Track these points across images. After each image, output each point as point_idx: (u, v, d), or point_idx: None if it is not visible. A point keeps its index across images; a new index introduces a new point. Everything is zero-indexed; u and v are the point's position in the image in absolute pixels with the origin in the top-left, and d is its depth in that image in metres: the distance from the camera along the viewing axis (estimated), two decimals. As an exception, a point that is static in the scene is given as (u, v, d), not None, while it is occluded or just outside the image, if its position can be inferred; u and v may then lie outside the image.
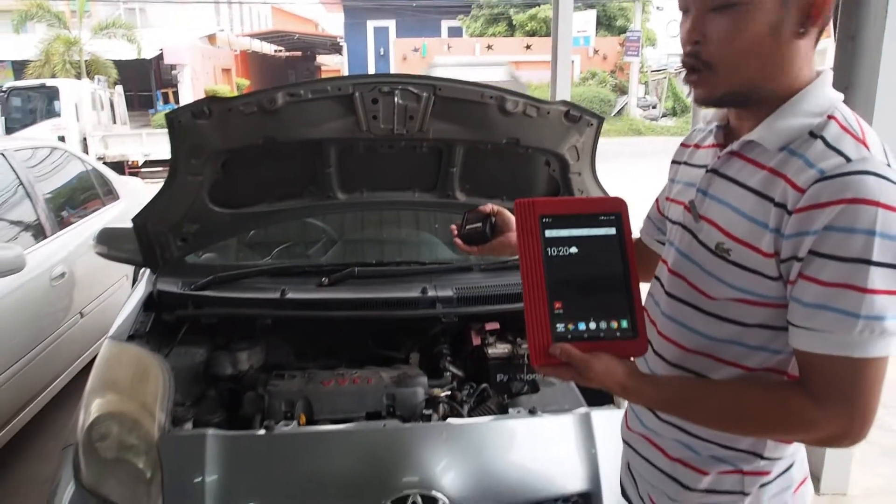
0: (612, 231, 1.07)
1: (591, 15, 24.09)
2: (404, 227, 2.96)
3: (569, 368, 1.02)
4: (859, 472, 3.05)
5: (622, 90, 24.76)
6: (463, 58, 18.91)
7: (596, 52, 25.34)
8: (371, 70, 29.23)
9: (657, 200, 1.37)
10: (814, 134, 0.97)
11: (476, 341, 2.33)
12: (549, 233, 1.06)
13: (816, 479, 2.98)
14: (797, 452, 1.13)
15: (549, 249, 1.05)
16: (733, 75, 1.00)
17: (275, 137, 2.17)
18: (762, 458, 1.09)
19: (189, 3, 28.60)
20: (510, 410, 1.96)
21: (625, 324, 1.04)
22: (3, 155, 3.69)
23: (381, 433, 1.83)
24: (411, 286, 2.31)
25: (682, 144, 1.28)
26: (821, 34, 1.01)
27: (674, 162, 1.28)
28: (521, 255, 1.05)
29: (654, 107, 25.36)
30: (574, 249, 1.06)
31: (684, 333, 1.11)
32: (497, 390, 2.18)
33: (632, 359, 1.07)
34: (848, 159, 0.92)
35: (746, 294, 1.02)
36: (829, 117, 0.98)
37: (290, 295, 2.23)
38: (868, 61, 2.63)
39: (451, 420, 1.90)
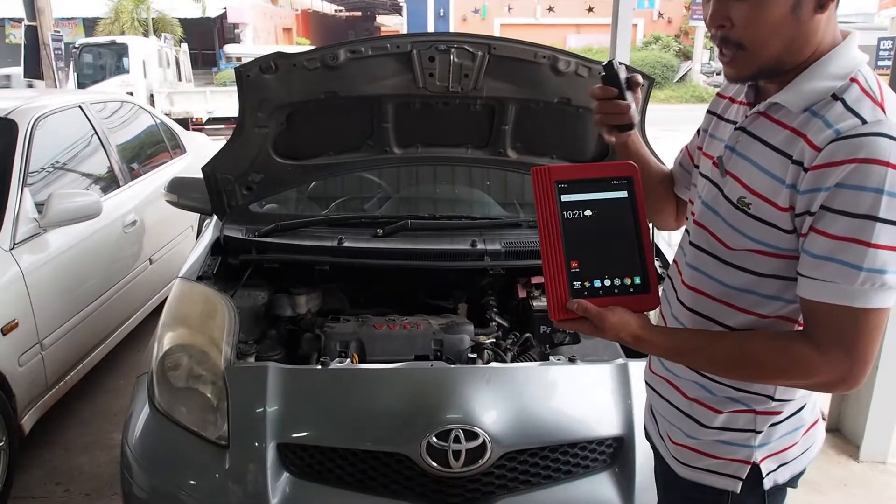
0: (624, 194, 1.13)
1: (658, -24, 23.38)
2: (457, 184, 3.03)
3: (585, 322, 1.10)
4: (901, 441, 3.05)
5: (686, 55, 24.06)
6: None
7: (661, 15, 24.65)
8: (431, 30, 29.04)
9: (687, 148, 1.40)
10: (836, 96, 1.01)
11: (522, 294, 2.41)
12: (564, 197, 1.12)
13: (856, 446, 2.99)
14: (808, 396, 1.20)
15: (565, 213, 1.11)
16: (763, 54, 1.04)
17: (336, 92, 2.27)
18: (773, 399, 1.15)
19: (252, -39, 28.75)
20: (551, 358, 2.05)
21: (637, 280, 1.11)
22: (80, 107, 3.89)
23: (428, 372, 1.95)
24: (461, 239, 2.40)
25: (719, 95, 1.31)
26: (838, 3, 1.04)
27: (709, 112, 1.32)
28: (539, 219, 1.12)
29: (718, 73, 24.54)
30: (589, 212, 1.12)
31: (705, 281, 1.18)
32: (540, 340, 2.27)
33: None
34: (864, 121, 0.97)
35: (762, 245, 1.08)
36: (852, 80, 1.02)
37: (346, 244, 2.35)
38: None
39: (494, 364, 2.01)
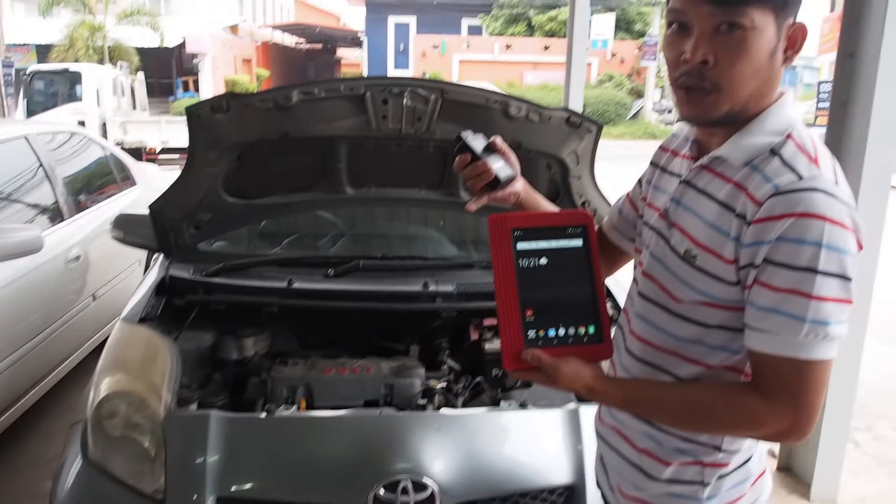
0: (578, 243, 1.15)
1: (610, 18, 24.05)
2: (411, 223, 3.03)
3: (539, 372, 1.10)
4: (852, 482, 3.10)
5: (639, 94, 24.72)
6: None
7: (613, 55, 25.32)
8: (391, 65, 29.34)
9: (629, 196, 1.41)
10: (773, 151, 1.05)
11: (474, 336, 2.40)
12: (520, 245, 1.12)
13: (807, 485, 3.02)
14: (755, 447, 1.20)
15: (520, 261, 1.12)
16: (737, 96, 1.04)
17: (288, 133, 2.25)
18: (720, 450, 1.16)
19: (213, -8, 28.74)
20: (502, 403, 2.03)
21: (591, 329, 1.12)
22: (26, 139, 3.78)
23: (376, 420, 1.91)
24: (414, 280, 2.38)
25: (662, 148, 1.33)
26: None
27: (652, 164, 1.33)
28: (494, 267, 1.12)
29: (669, 111, 25.30)
30: (544, 260, 1.13)
31: (653, 332, 1.19)
32: (492, 384, 2.25)
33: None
34: (800, 176, 1.00)
35: (708, 297, 1.09)
36: (788, 136, 1.06)
37: (296, 284, 2.31)
38: (866, 77, 2.71)
39: (444, 410, 1.98)
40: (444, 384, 2.18)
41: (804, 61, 31.01)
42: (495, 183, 1.29)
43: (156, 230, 2.43)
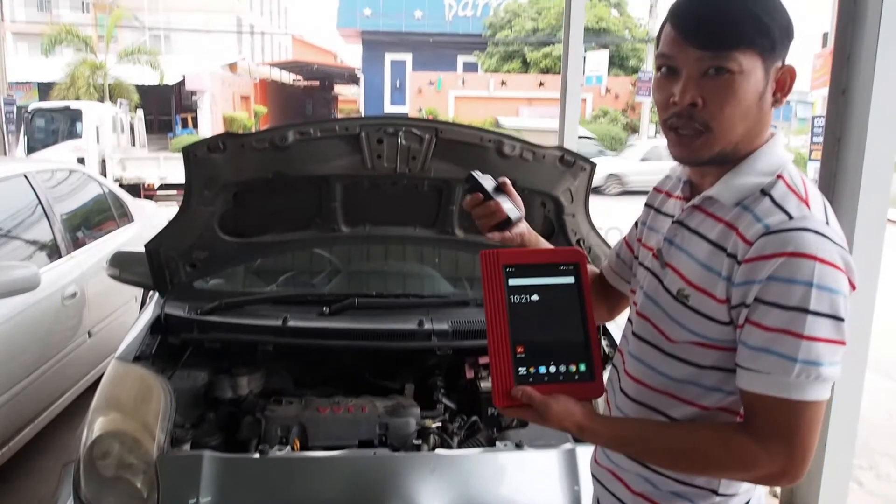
0: (570, 280, 1.15)
1: (604, 55, 24.42)
2: (406, 260, 3.03)
3: (529, 410, 1.09)
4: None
5: (633, 129, 24.97)
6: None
7: (608, 90, 25.64)
8: (387, 101, 29.67)
9: (626, 240, 1.43)
10: (764, 191, 1.06)
11: (469, 374, 2.39)
12: (512, 281, 1.13)
13: (807, 524, 2.99)
14: (753, 490, 1.18)
15: (512, 297, 1.12)
16: (727, 137, 1.07)
17: (284, 172, 2.27)
18: (717, 493, 1.14)
19: (213, 31, 29.24)
20: (497, 443, 2.02)
21: (583, 367, 1.12)
22: (25, 176, 3.81)
23: (370, 461, 1.89)
24: (409, 318, 2.37)
25: (656, 189, 1.35)
26: None
27: (647, 205, 1.35)
28: (486, 303, 1.12)
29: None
30: (536, 297, 1.13)
31: (647, 372, 1.19)
32: (487, 423, 2.23)
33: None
34: (790, 216, 1.01)
35: (701, 338, 1.09)
36: (778, 177, 1.07)
37: (291, 323, 2.30)
38: (858, 113, 2.74)
39: (439, 451, 1.96)
40: (439, 423, 2.17)
41: (798, 96, 31.44)
42: (505, 223, 1.31)
43: (152, 268, 2.44)
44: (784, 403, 0.99)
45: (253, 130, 11.43)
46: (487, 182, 1.33)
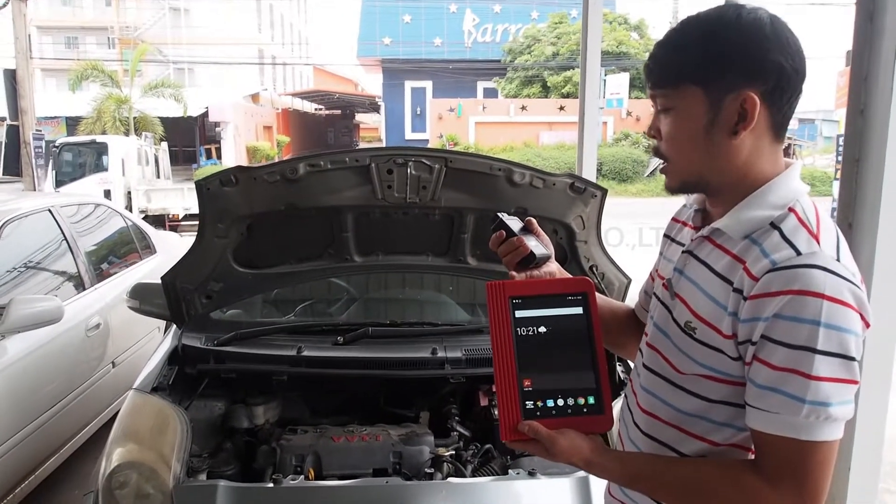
0: (579, 310, 1.14)
1: (625, 78, 24.43)
2: (420, 288, 3.05)
3: (537, 444, 1.09)
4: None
5: (655, 151, 24.87)
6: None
7: (629, 113, 25.60)
8: (408, 128, 29.92)
9: (651, 275, 1.41)
10: (774, 225, 1.04)
11: (483, 402, 2.39)
12: (518, 313, 1.12)
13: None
14: None
15: (519, 329, 1.11)
16: (683, 168, 1.11)
17: (296, 204, 2.31)
18: None
19: (235, 63, 29.82)
20: (510, 472, 2.01)
21: (591, 400, 1.10)
22: (49, 211, 3.91)
23: (382, 490, 1.89)
24: (422, 347, 2.39)
25: (673, 219, 1.34)
26: (780, 135, 1.09)
27: (665, 236, 1.34)
28: (492, 335, 1.12)
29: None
30: (543, 329, 1.12)
31: (657, 405, 1.17)
32: (501, 451, 2.23)
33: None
34: (798, 252, 0.99)
35: (710, 371, 1.08)
36: (791, 210, 1.05)
37: (305, 352, 2.33)
38: (877, 134, 2.71)
39: (451, 479, 1.96)
40: (452, 452, 2.17)
41: (823, 115, 31.04)
42: (530, 259, 1.29)
43: (168, 300, 2.48)
44: (794, 444, 0.97)
45: (276, 160, 11.59)
46: (513, 223, 1.33)
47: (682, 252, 1.18)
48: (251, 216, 2.36)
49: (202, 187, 2.25)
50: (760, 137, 1.07)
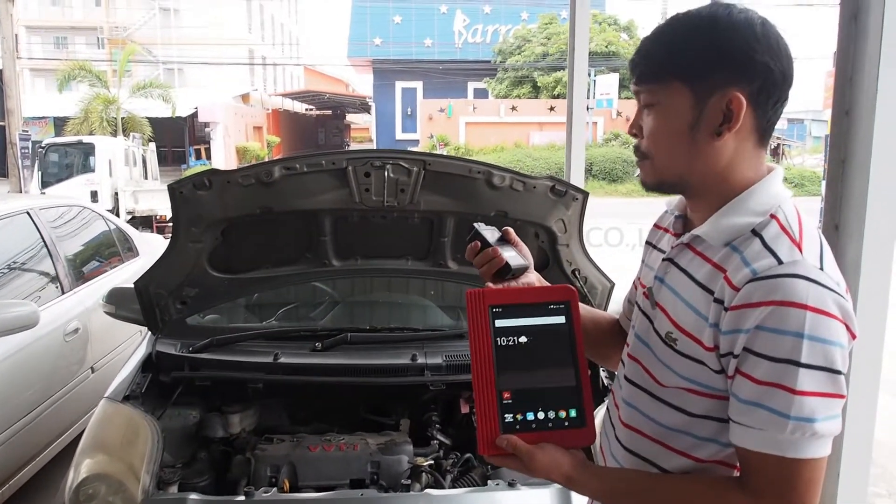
0: (561, 319, 1.09)
1: (615, 78, 24.45)
2: (400, 292, 3.01)
3: (515, 459, 1.04)
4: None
5: (646, 152, 24.92)
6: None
7: (619, 114, 25.65)
8: (398, 128, 29.92)
9: (634, 283, 1.36)
10: (755, 232, 1.00)
11: (464, 409, 2.35)
12: (499, 322, 1.07)
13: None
14: None
15: (498, 339, 1.06)
16: (662, 166, 1.07)
17: (272, 207, 2.26)
18: None
19: (225, 64, 29.70)
20: (490, 482, 1.96)
21: (573, 413, 1.05)
22: (28, 213, 3.84)
23: (358, 503, 1.85)
24: (402, 353, 2.34)
25: (655, 225, 1.30)
26: (763, 140, 1.05)
27: (647, 243, 1.30)
28: (471, 345, 1.07)
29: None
30: (524, 339, 1.07)
31: (639, 419, 1.13)
32: (481, 460, 2.18)
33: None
34: (780, 261, 0.95)
35: (691, 383, 1.03)
36: (773, 217, 1.01)
37: (282, 359, 2.28)
38: (863, 135, 2.70)
39: (429, 491, 1.92)
40: (431, 461, 2.12)
41: (812, 115, 31.16)
42: (506, 271, 1.25)
43: (142, 306, 2.42)
44: (780, 461, 0.93)
45: (266, 160, 11.46)
46: (489, 233, 1.30)
47: (663, 259, 1.14)
48: (226, 220, 2.31)
49: (175, 191, 2.19)
50: (744, 141, 1.03)
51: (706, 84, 1.01)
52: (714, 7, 1.03)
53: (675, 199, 1.20)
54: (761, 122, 1.03)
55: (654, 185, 1.10)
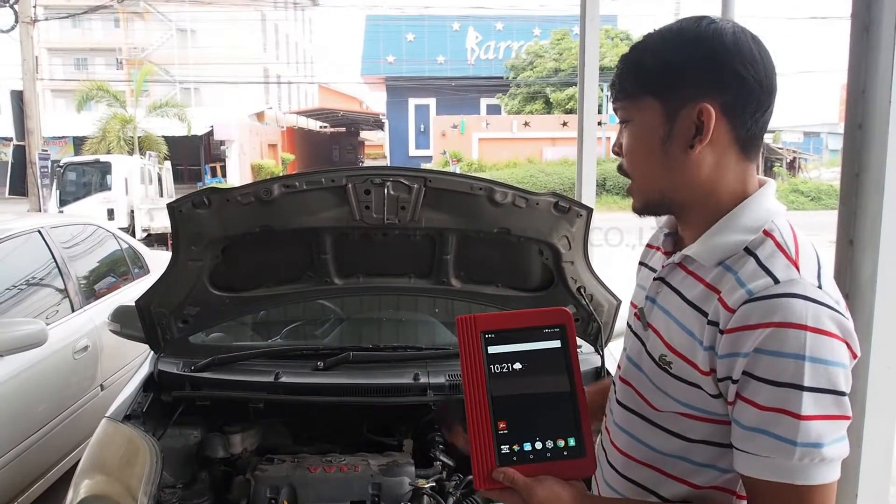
0: (556, 344, 1.06)
1: (628, 93, 24.45)
2: (406, 310, 2.98)
3: (513, 493, 1.00)
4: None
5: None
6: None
7: (633, 128, 25.57)
8: (412, 145, 30.05)
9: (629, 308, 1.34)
10: (749, 250, 0.97)
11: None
12: (491, 349, 1.04)
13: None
14: None
15: (492, 366, 1.03)
16: (643, 184, 1.05)
17: (271, 226, 2.25)
18: None
19: (240, 83, 30.01)
20: (492, 504, 1.93)
21: (572, 442, 1.02)
22: (39, 232, 3.87)
23: (356, 526, 1.82)
24: (404, 372, 2.32)
25: (648, 245, 1.27)
26: (747, 151, 1.02)
27: (640, 263, 1.27)
28: (463, 374, 1.03)
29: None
30: (518, 365, 1.04)
31: (633, 444, 1.09)
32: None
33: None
34: (776, 280, 0.92)
35: (689, 408, 1.00)
36: (766, 233, 0.98)
37: (283, 379, 2.26)
38: (876, 148, 2.65)
39: (429, 513, 1.88)
40: (433, 483, 2.09)
41: (829, 128, 30.91)
42: None
43: (143, 325, 2.41)
44: (789, 489, 0.89)
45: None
46: None
47: (654, 279, 1.11)
48: (226, 238, 2.30)
49: (174, 210, 2.19)
50: (724, 153, 1.00)
51: (676, 97, 0.99)
52: (684, 20, 1.02)
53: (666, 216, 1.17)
54: (740, 133, 0.99)
55: (642, 207, 1.09)
